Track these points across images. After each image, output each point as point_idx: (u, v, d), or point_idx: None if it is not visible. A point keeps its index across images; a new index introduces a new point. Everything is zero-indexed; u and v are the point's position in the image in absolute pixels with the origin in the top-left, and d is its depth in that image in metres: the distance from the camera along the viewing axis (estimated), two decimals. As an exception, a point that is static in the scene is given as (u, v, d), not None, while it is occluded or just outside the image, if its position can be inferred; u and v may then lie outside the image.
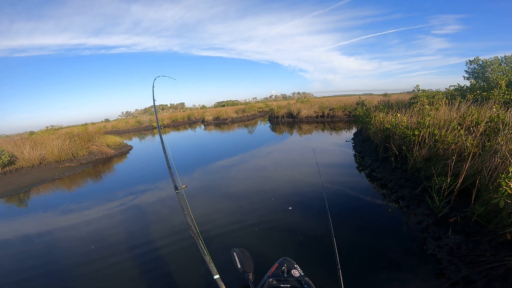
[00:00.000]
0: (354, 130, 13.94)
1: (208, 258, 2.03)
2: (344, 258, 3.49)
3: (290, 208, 5.17)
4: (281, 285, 2.40)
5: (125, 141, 17.29)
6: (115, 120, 38.63)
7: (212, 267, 1.97)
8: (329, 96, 35.47)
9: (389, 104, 11.01)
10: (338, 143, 11.34)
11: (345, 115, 19.51)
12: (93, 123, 33.22)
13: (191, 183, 7.45)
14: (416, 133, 5.72)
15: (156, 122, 3.76)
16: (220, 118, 28.88)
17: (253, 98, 55.95)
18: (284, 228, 4.51)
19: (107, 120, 38.56)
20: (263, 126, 21.88)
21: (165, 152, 3.23)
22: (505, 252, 2.72)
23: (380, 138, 7.61)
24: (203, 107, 46.61)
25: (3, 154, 10.55)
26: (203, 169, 9.38)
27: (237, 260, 2.75)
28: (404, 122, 6.70)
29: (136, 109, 48.86)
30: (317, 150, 10.48)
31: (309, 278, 2.54)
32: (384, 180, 6.03)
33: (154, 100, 4.14)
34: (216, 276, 1.90)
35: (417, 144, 5.55)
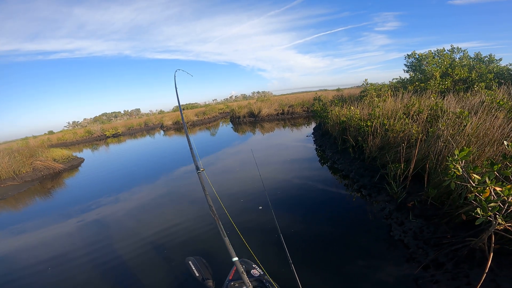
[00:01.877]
0: (313, 125, 14.51)
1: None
2: (309, 251, 3.61)
3: (260, 207, 5.15)
4: (243, 287, 2.39)
5: (74, 154, 15.73)
6: (61, 131, 34.95)
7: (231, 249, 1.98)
8: (288, 94, 36.60)
9: (343, 98, 11.69)
10: (300, 139, 11.70)
11: (304, 111, 20.27)
12: (34, 137, 29.49)
13: (159, 195, 7.08)
14: (369, 123, 6.11)
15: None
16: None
17: (213, 100, 55.23)
18: (249, 228, 4.46)
19: (51, 132, 34.65)
20: (225, 128, 21.66)
21: (190, 148, 3.02)
22: (464, 232, 2.98)
23: (337, 131, 8.01)
24: (161, 112, 44.53)
25: None
26: (169, 176, 8.97)
27: (194, 269, 2.62)
28: (357, 115, 7.13)
29: (84, 118, 45.00)
30: (280, 147, 10.73)
31: (269, 276, 2.56)
32: (345, 171, 6.36)
33: (177, 95, 3.60)
34: (235, 259, 1.91)
35: (370, 134, 5.94)
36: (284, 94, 37.15)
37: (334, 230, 4.08)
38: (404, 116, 5.83)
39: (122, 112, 49.41)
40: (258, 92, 56.06)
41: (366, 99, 8.98)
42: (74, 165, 13.65)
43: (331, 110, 9.11)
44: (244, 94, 59.89)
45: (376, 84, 11.18)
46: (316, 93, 15.51)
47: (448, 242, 2.98)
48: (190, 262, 2.65)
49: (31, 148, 14.27)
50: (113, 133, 28.42)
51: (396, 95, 7.82)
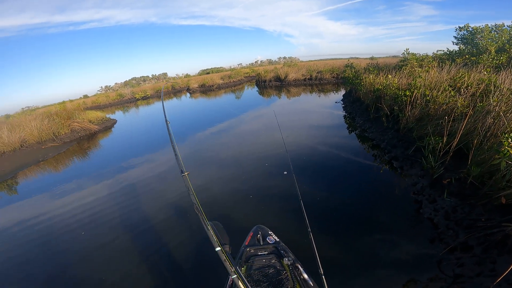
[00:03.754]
0: (342, 91, 13.73)
1: (210, 233, 1.96)
2: (322, 221, 3.52)
3: (285, 172, 5.10)
4: (259, 253, 2.43)
5: (108, 115, 16.56)
6: (95, 95, 36.58)
7: (214, 240, 1.92)
8: (316, 60, 34.36)
9: (378, 66, 10.96)
10: (327, 105, 11.21)
11: (333, 77, 19.09)
12: (71, 100, 31.26)
13: (182, 153, 7.25)
14: (408, 93, 5.63)
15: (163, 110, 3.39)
16: (206, 85, 27.83)
17: (238, 64, 53.61)
18: (268, 194, 4.48)
19: (86, 96, 36.51)
20: (250, 91, 21.31)
21: (172, 141, 2.99)
22: (500, 216, 2.72)
23: (371, 99, 7.53)
24: (187, 75, 44.44)
25: None
26: (194, 137, 9.20)
27: (212, 233, 2.66)
28: (395, 83, 6.69)
29: (115, 83, 46.34)
30: (306, 112, 10.38)
31: (285, 243, 2.54)
32: (376, 141, 6.01)
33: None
34: (218, 248, 1.85)
35: (409, 104, 5.46)
36: (312, 60, 34.97)
37: (357, 202, 3.95)
38: (450, 89, 5.26)
39: (150, 76, 50.19)
40: (284, 58, 53.27)
41: (405, 68, 8.45)
42: (108, 126, 14.41)
43: (364, 78, 8.76)
44: (270, 59, 57.38)
45: (418, 55, 10.39)
46: (348, 60, 14.45)
47: (481, 226, 2.75)
48: (208, 227, 2.69)
49: (68, 111, 14.95)
50: (142, 95, 29.29)
51: (441, 66, 7.29)
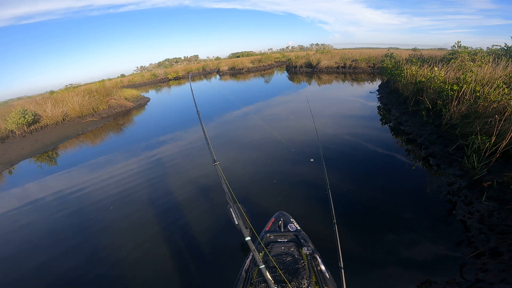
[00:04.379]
0: (378, 82, 12.97)
1: (241, 222, 2.01)
2: (347, 214, 3.42)
3: (312, 160, 5.03)
4: (278, 240, 2.42)
5: (142, 94, 17.32)
6: (131, 74, 38.21)
7: (245, 229, 1.95)
8: (351, 48, 32.47)
9: (422, 58, 10.19)
10: (360, 94, 10.70)
11: (369, 67, 17.97)
12: (109, 79, 33.21)
13: (210, 134, 7.38)
14: (455, 88, 5.21)
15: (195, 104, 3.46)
16: (236, 68, 27.81)
17: (269, 49, 52.41)
18: (293, 181, 4.44)
19: (122, 75, 38.25)
20: (280, 76, 20.92)
21: (204, 132, 3.06)
22: None
23: (411, 91, 7.05)
24: (218, 58, 44.62)
25: (27, 114, 10.66)
26: (221, 118, 9.35)
27: (233, 216, 2.63)
28: (441, 76, 6.20)
29: (150, 63, 47.99)
30: (337, 100, 10.03)
31: (306, 233, 2.51)
32: (413, 135, 5.65)
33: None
34: (248, 238, 1.88)
35: (455, 100, 5.02)
36: (346, 48, 33.13)
37: (385, 197, 3.78)
38: (504, 86, 4.75)
39: (182, 58, 51.02)
40: (317, 44, 51.07)
41: (454, 62, 7.78)
42: (142, 103, 15.12)
43: (406, 69, 8.25)
44: (302, 45, 55.31)
45: (470, 49, 9.57)
46: (388, 50, 13.55)
47: (517, 233, 2.51)
48: (231, 209, 2.69)
49: (107, 88, 15.94)
50: (175, 76, 30.13)
51: (496, 62, 6.67)
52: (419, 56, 10.67)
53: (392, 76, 9.30)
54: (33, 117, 10.88)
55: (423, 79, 6.66)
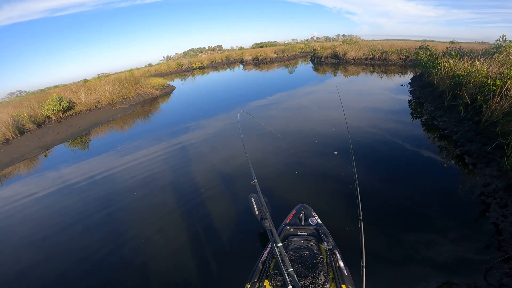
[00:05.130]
0: (410, 75, 12.25)
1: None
2: (373, 211, 3.25)
3: (336, 152, 4.92)
4: (298, 233, 2.37)
5: (168, 82, 17.80)
6: (157, 64, 39.30)
7: (264, 220, 1.95)
8: (380, 40, 30.82)
9: (461, 51, 9.52)
10: (390, 87, 10.19)
11: (401, 59, 16.95)
12: (138, 68, 34.53)
13: (234, 123, 7.52)
14: (498, 83, 4.83)
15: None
16: (259, 58, 27.61)
17: (293, 40, 51.04)
18: (316, 173, 4.36)
19: (150, 65, 39.47)
20: (304, 66, 20.49)
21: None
22: None
23: (448, 85, 6.61)
24: (241, 48, 44.41)
25: (62, 101, 11.33)
26: (244, 106, 9.40)
27: (254, 206, 2.64)
28: (483, 71, 5.78)
29: (176, 53, 48.90)
30: (364, 93, 9.67)
31: (327, 228, 2.45)
32: (447, 131, 5.32)
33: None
34: (267, 229, 1.90)
35: (497, 95, 4.65)
36: (375, 40, 31.51)
37: (412, 194, 3.61)
38: None
39: (207, 48, 51.41)
40: (343, 35, 48.99)
41: (498, 56, 7.35)
42: (168, 92, 15.64)
43: (443, 62, 7.77)
44: (327, 36, 53.30)
45: None
46: (423, 42, 12.75)
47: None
48: (252, 199, 2.72)
49: (135, 77, 16.58)
50: (199, 65, 30.56)
51: None
52: (458, 49, 9.96)
53: (427, 69, 8.82)
54: (68, 104, 11.59)
55: (463, 73, 6.23)
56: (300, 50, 30.47)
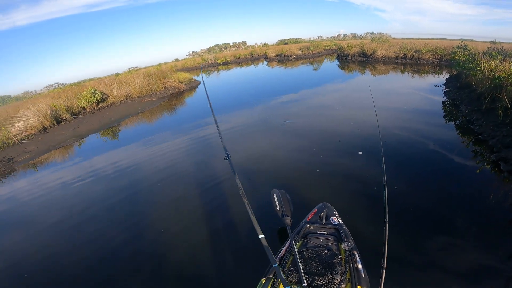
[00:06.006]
0: (445, 75, 11.57)
1: (254, 219, 1.96)
2: (398, 214, 3.05)
3: (360, 153, 4.80)
4: (318, 231, 2.35)
5: (193, 77, 18.22)
6: (184, 59, 40.29)
7: (258, 227, 1.90)
8: (412, 39, 29.35)
9: (503, 52, 8.84)
10: (423, 88, 9.71)
11: (435, 58, 16.03)
12: (165, 63, 35.58)
13: (256, 119, 7.57)
14: None
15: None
16: (284, 55, 27.37)
17: (318, 37, 49.62)
18: (339, 173, 4.28)
19: (177, 60, 40.60)
20: (330, 64, 20.06)
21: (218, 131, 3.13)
22: None
23: (487, 87, 6.18)
24: (265, 45, 44.24)
25: (96, 93, 11.95)
26: (267, 103, 9.44)
27: (276, 202, 2.64)
28: None
29: (201, 49, 49.68)
30: (394, 93, 9.31)
31: (348, 228, 2.40)
32: (484, 135, 5.00)
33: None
34: (261, 236, 1.85)
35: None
36: (407, 38, 30.01)
37: (442, 200, 3.45)
38: None
39: (231, 43, 51.72)
40: (372, 33, 46.98)
41: None
42: (193, 86, 16.05)
43: (482, 62, 7.33)
44: (355, 34, 51.30)
45: None
46: (461, 42, 11.98)
47: None
48: (274, 195, 2.72)
49: (163, 71, 17.11)
50: (224, 61, 30.85)
51: None
52: (499, 50, 9.27)
53: (465, 70, 8.31)
54: (101, 96, 12.20)
55: (504, 75, 5.80)
56: (326, 48, 29.80)
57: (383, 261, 1.67)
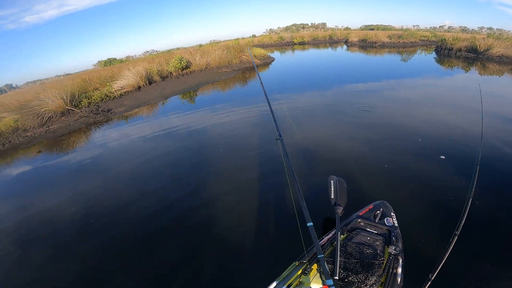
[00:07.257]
0: None
1: (304, 204, 1.83)
2: (471, 231, 2.51)
3: (443, 157, 4.09)
4: (367, 229, 2.19)
5: (268, 54, 18.19)
6: (261, 36, 40.34)
7: (307, 214, 1.78)
8: None
9: None
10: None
11: None
12: (243, 38, 36.69)
13: (327, 103, 7.25)
14: None
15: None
16: (368, 41, 24.83)
17: (414, 26, 43.29)
18: (411, 173, 3.77)
19: (254, 36, 40.80)
20: (424, 57, 17.48)
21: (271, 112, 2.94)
22: None
23: None
24: (347, 28, 40.75)
25: (182, 61, 13.53)
26: (340, 89, 8.96)
27: (332, 189, 2.48)
28: None
29: (278, 27, 48.73)
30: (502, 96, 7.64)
31: (402, 230, 2.20)
32: None
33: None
34: (310, 224, 1.72)
35: None
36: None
37: None
38: None
39: (309, 24, 49.27)
40: (489, 28, 38.42)
41: None
42: (267, 62, 16.17)
43: None
44: (464, 27, 42.61)
45: None
46: None
47: None
48: (332, 181, 2.56)
49: (241, 46, 17.83)
50: (300, 41, 29.92)
51: None
52: None
53: None
54: (186, 64, 13.65)
55: None
56: (422, 38, 25.75)
57: (433, 272, 1.60)
